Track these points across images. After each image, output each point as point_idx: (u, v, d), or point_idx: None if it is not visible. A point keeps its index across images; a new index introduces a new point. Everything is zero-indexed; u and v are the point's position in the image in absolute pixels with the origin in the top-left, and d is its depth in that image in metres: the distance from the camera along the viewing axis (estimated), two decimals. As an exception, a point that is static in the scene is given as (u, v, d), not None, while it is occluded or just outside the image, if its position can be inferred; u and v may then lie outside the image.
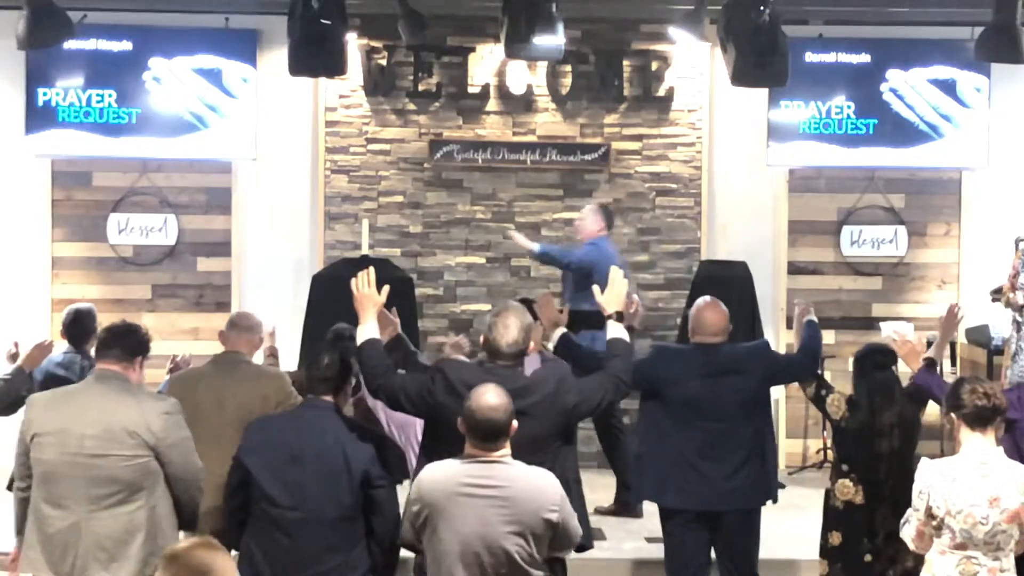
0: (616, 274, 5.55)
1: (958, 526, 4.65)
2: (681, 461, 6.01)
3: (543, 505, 4.50)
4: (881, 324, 6.49)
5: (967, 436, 4.80)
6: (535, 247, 9.00)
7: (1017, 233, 8.54)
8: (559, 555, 4.68)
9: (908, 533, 4.86)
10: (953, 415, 4.83)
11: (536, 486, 4.54)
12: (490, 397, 4.55)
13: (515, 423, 4.58)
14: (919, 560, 5.76)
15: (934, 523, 4.71)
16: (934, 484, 4.71)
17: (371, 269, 5.34)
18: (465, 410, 4.56)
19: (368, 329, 5.21)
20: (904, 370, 6.27)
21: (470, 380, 4.87)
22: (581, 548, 5.22)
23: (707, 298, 6.25)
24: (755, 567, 6.17)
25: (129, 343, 5.24)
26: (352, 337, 6.65)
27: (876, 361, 6.15)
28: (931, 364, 6.25)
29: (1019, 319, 8.32)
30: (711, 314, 6.14)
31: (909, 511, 4.85)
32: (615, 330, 5.42)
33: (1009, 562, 4.72)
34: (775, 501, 6.22)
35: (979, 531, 4.64)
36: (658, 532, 7.42)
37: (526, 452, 4.84)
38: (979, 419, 4.78)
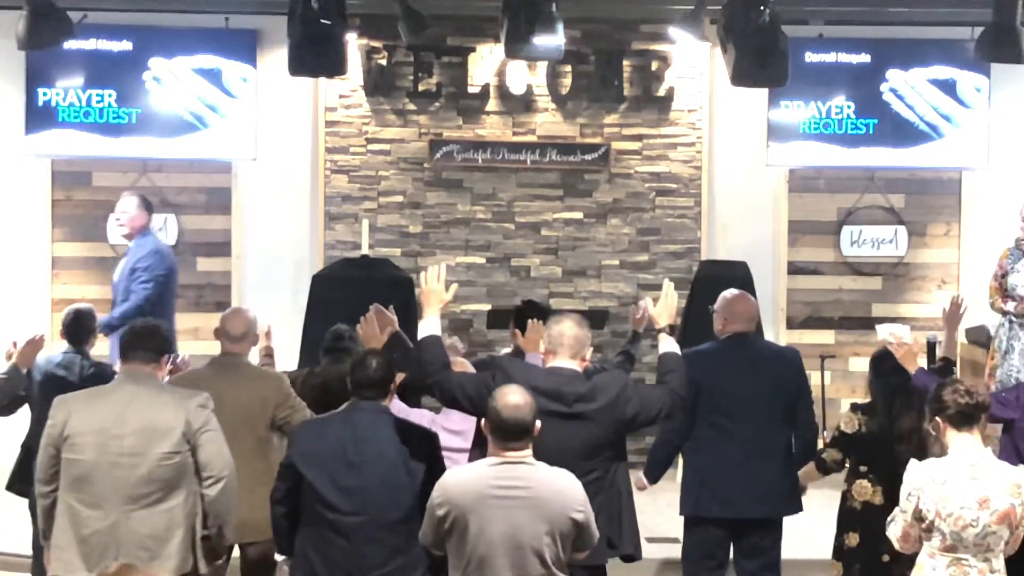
0: (668, 286, 5.55)
1: (948, 528, 4.65)
2: (720, 468, 6.09)
3: (570, 505, 4.51)
4: (878, 326, 6.46)
5: (954, 438, 4.80)
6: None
7: (1017, 233, 8.55)
8: (578, 557, 4.67)
9: (894, 532, 4.86)
10: (938, 419, 4.83)
11: (562, 486, 4.55)
12: (515, 396, 4.55)
13: (538, 424, 4.58)
14: None
15: (923, 525, 4.71)
16: (924, 486, 4.70)
17: (442, 265, 5.35)
18: (490, 411, 4.56)
19: (430, 324, 5.20)
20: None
21: (533, 379, 4.89)
22: (630, 559, 5.24)
23: (733, 290, 6.42)
24: (779, 567, 6.23)
25: (156, 342, 5.32)
26: (352, 337, 6.68)
27: (895, 365, 6.06)
28: (949, 365, 6.23)
29: (1013, 318, 8.33)
30: (742, 303, 6.33)
31: (896, 510, 4.85)
32: (667, 344, 5.43)
33: (999, 563, 4.72)
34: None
35: (969, 533, 4.64)
36: (658, 532, 7.45)
37: (584, 457, 4.87)
38: (964, 418, 4.78)
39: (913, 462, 4.82)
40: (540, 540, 4.46)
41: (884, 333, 6.28)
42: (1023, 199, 8.69)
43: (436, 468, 5.07)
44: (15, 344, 6.48)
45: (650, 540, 7.56)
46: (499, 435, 4.55)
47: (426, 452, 5.05)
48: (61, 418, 5.16)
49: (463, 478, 4.58)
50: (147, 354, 5.26)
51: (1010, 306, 8.32)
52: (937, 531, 4.67)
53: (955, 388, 4.83)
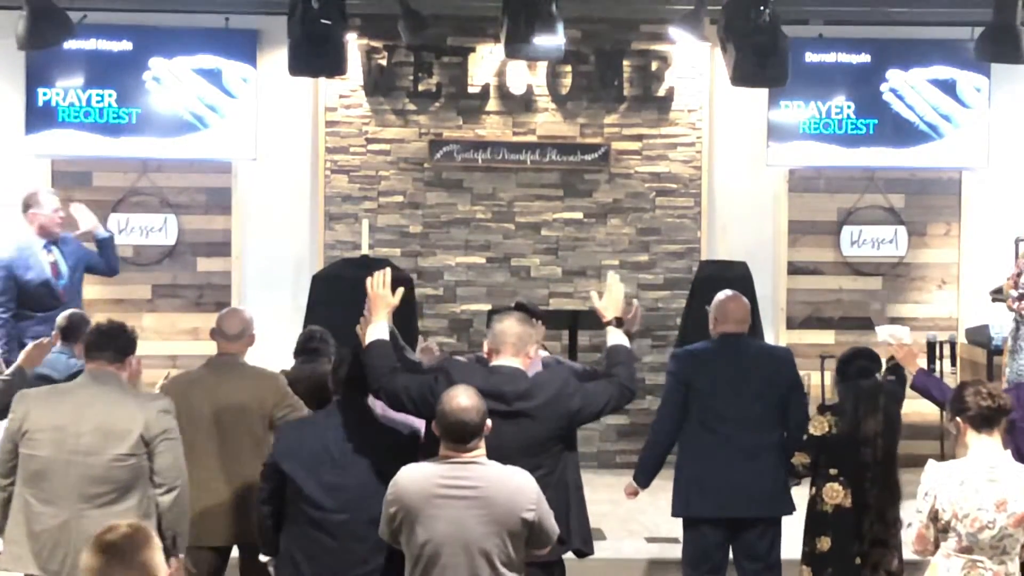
0: (613, 278, 5.54)
1: (965, 530, 4.64)
2: (710, 468, 6.06)
3: (520, 504, 4.49)
4: (877, 328, 6.43)
5: (973, 439, 4.78)
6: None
7: (1017, 233, 8.55)
8: (538, 553, 4.66)
9: (909, 537, 4.85)
10: (958, 419, 4.81)
11: (513, 485, 4.52)
12: (462, 399, 4.53)
13: (489, 423, 4.57)
14: (902, 562, 5.76)
15: (939, 525, 4.70)
16: (941, 487, 4.69)
17: (388, 270, 5.34)
18: (437, 413, 4.56)
19: (377, 329, 5.19)
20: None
21: (473, 379, 4.87)
22: (581, 554, 5.23)
23: (727, 291, 6.38)
24: (780, 568, 6.21)
25: (121, 343, 5.30)
26: (324, 339, 6.71)
27: (860, 367, 6.05)
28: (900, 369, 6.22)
29: (1019, 318, 8.33)
30: (734, 304, 6.29)
31: (912, 513, 4.84)
32: (615, 337, 5.40)
33: (1015, 566, 4.71)
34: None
35: (986, 535, 4.63)
36: (658, 532, 7.45)
37: (528, 455, 4.83)
38: (985, 421, 4.76)
39: (931, 462, 4.81)
40: (488, 540, 4.44)
41: (884, 334, 6.25)
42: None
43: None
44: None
45: (650, 540, 7.58)
46: (446, 436, 4.54)
47: (409, 449, 5.05)
48: (20, 413, 5.17)
49: (412, 476, 4.56)
50: (113, 354, 5.24)
51: (1015, 305, 8.33)
52: (953, 532, 4.66)
53: (977, 390, 4.80)
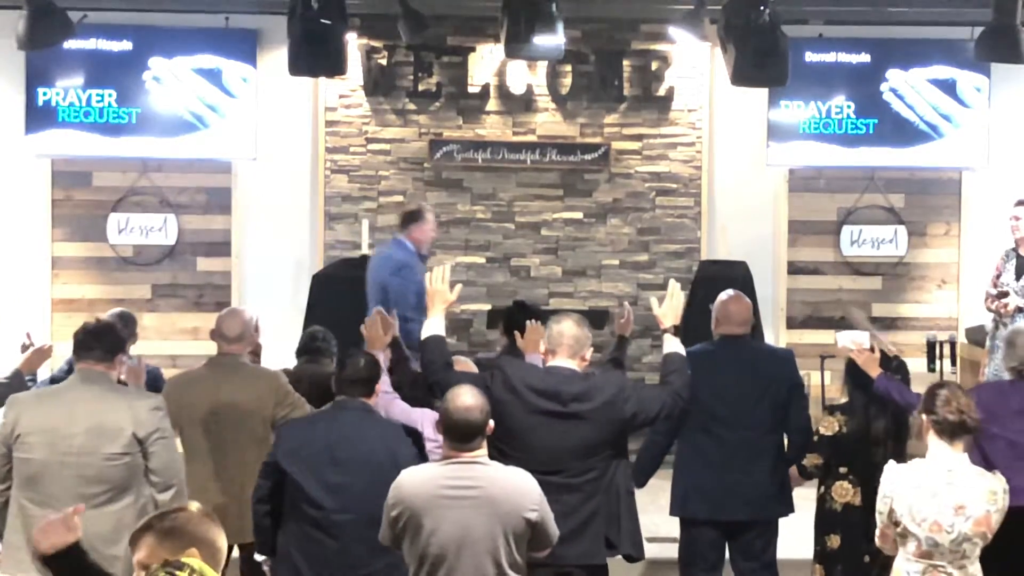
0: (674, 286, 5.54)
1: (923, 534, 4.60)
2: (707, 470, 6.05)
3: (523, 504, 4.48)
4: (837, 335, 6.38)
5: (934, 442, 4.76)
6: None
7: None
8: (538, 556, 4.66)
9: (877, 536, 4.85)
10: (925, 418, 4.79)
11: (515, 486, 4.52)
12: (466, 397, 4.54)
13: (491, 423, 4.56)
14: None
15: (898, 530, 4.67)
16: (898, 490, 4.66)
17: (447, 266, 5.40)
18: (440, 411, 4.57)
19: (434, 324, 5.24)
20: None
21: (530, 379, 4.88)
22: (631, 559, 5.24)
23: (730, 291, 6.34)
24: (775, 567, 6.21)
25: (109, 342, 5.28)
26: (326, 339, 6.71)
27: None
28: (901, 364, 6.22)
29: (996, 318, 8.37)
30: (736, 305, 6.24)
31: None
32: (671, 344, 5.41)
33: (975, 567, 4.67)
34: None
35: (945, 539, 4.59)
36: (658, 532, 7.44)
37: (578, 457, 4.86)
38: (945, 431, 4.73)
39: (891, 464, 4.78)
40: (493, 540, 4.43)
41: (845, 340, 6.22)
42: (1014, 202, 8.69)
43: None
44: (29, 335, 6.46)
45: (650, 540, 7.56)
46: (450, 436, 4.53)
47: (412, 449, 5.06)
48: (12, 417, 5.17)
49: (416, 478, 4.56)
50: (101, 353, 5.23)
51: (993, 305, 8.37)
52: (912, 537, 4.63)
53: (948, 399, 4.70)
